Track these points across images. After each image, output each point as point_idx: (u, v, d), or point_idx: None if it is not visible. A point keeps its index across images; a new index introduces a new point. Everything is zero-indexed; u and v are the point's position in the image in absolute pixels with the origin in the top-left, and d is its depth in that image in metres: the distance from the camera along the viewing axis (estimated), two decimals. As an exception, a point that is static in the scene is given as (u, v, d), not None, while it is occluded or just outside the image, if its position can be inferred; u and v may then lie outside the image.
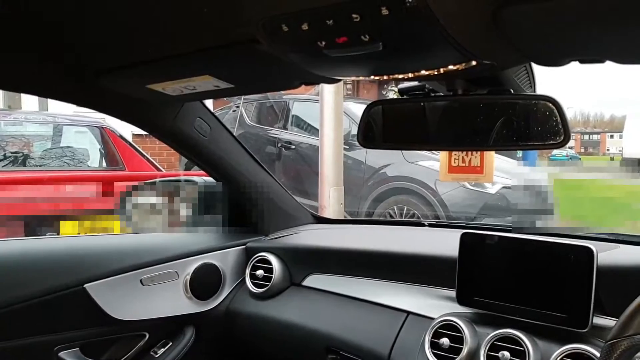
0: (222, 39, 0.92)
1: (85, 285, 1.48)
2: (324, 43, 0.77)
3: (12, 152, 4.47)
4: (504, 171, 4.95)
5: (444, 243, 1.46)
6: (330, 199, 4.82)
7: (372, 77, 0.95)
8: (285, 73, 1.04)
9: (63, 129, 4.80)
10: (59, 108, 5.17)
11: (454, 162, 1.43)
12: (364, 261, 1.62)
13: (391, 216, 5.21)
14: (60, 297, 1.44)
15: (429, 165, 5.01)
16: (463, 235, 1.36)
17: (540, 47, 0.81)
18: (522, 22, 0.70)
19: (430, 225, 1.90)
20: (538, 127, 0.99)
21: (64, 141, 4.81)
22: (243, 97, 7.09)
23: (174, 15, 0.84)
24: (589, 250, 1.16)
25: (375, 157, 5.53)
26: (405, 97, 1.11)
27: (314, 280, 1.72)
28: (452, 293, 1.37)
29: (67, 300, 1.45)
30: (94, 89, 1.22)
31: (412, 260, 1.52)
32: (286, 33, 0.76)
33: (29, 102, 6.29)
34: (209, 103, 1.69)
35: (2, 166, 4.33)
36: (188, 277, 1.69)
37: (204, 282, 1.73)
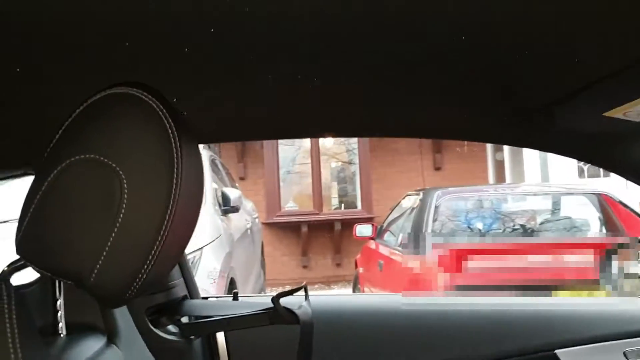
0: None
1: (556, 351, 1.36)
2: None
3: (518, 225, 4.65)
4: None
5: None
6: None
7: None
8: None
9: (561, 199, 4.75)
10: (558, 178, 5.17)
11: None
12: None
13: None
14: None
15: None
16: None
17: None
18: None
19: None
20: None
21: (563, 211, 4.74)
22: None
23: None
24: None
25: None
26: None
27: None
28: None
29: None
30: (541, 126, 1.11)
31: None
32: None
33: (531, 175, 6.52)
34: None
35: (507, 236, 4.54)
36: None
37: None
